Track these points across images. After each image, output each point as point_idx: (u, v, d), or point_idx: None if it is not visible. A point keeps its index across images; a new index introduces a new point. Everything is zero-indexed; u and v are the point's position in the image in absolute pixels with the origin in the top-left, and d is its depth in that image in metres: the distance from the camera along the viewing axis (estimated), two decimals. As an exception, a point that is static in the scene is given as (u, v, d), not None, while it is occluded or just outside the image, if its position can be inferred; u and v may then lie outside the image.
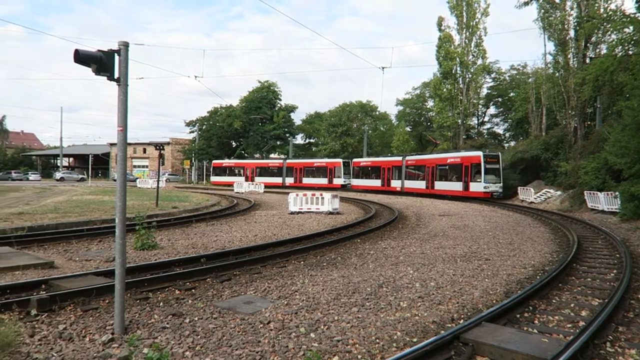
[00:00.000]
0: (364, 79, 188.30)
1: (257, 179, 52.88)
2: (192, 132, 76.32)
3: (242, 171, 57.91)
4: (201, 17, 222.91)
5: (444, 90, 47.10)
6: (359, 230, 15.00)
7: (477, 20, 45.84)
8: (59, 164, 79.97)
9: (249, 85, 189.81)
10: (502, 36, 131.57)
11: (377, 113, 68.08)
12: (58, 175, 66.67)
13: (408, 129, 62.07)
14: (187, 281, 7.98)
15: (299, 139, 76.09)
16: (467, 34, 46.55)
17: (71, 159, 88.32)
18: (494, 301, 7.15)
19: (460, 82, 47.53)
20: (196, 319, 6.08)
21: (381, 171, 44.11)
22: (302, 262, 10.03)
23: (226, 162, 62.66)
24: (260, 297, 7.21)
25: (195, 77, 26.36)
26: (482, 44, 46.61)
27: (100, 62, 5.50)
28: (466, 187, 33.22)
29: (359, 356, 4.98)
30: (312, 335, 5.56)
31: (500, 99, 55.89)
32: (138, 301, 6.82)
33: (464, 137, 49.32)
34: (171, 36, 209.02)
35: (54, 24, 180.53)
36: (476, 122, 57.80)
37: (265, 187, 45.73)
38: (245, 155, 68.71)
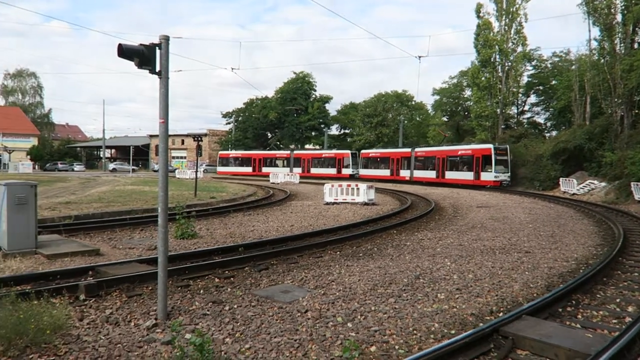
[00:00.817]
0: (399, 68, 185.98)
1: (265, 169, 55.10)
2: (229, 123, 77.47)
3: (249, 162, 59.09)
4: (237, 9, 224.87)
5: (483, 78, 45.89)
6: (395, 221, 14.92)
7: (517, 5, 44.34)
8: (101, 155, 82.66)
9: (283, 77, 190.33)
10: (543, 22, 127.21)
11: (413, 103, 67.19)
12: (111, 166, 69.61)
13: (445, 119, 61.01)
14: (225, 270, 8.16)
15: (334, 130, 76.05)
16: (507, 20, 45.13)
17: (113, 150, 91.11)
18: (535, 294, 7.00)
19: (500, 70, 46.22)
20: (235, 306, 6.22)
21: (390, 162, 46.83)
22: (338, 253, 10.08)
23: (233, 153, 63.78)
24: (298, 286, 7.30)
25: (232, 69, 27.52)
26: (523, 30, 45.04)
27: (143, 56, 5.63)
28: (477, 177, 35.97)
29: (397, 347, 4.98)
30: (349, 324, 5.60)
31: (541, 88, 54.00)
32: (179, 288, 7.03)
33: (502, 126, 48.04)
34: (208, 29, 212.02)
35: (96, 19, 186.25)
36: (516, 111, 56.09)
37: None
38: (281, 145, 69.22)
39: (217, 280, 7.62)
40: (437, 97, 65.34)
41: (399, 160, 45.78)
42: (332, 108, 76.55)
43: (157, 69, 5.71)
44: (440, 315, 5.97)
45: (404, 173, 44.06)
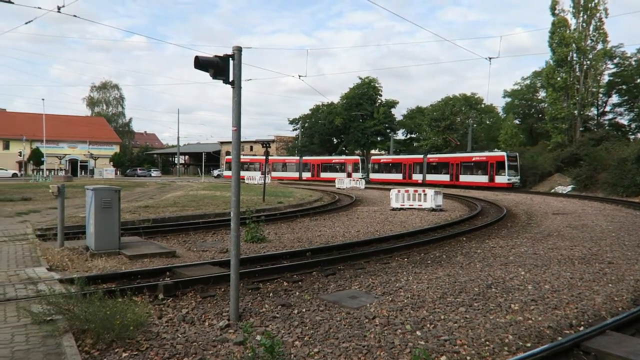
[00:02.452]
0: (467, 70, 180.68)
1: (273, 174, 58.14)
2: (295, 129, 78.75)
3: (258, 166, 60.91)
4: (303, 17, 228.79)
5: (558, 79, 43.58)
6: (464, 228, 14.51)
7: (596, 1, 41.84)
8: (176, 162, 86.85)
9: (348, 82, 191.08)
10: (626, 17, 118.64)
11: (483, 106, 65.00)
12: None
13: (517, 121, 58.48)
14: (294, 274, 8.30)
15: (400, 135, 75.14)
16: (585, 16, 42.69)
17: (186, 157, 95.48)
18: (620, 308, 6.54)
19: (577, 69, 43.74)
20: (304, 310, 6.32)
21: (402, 167, 51.94)
22: (405, 259, 9.95)
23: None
24: (365, 292, 7.29)
25: (299, 76, 27.56)
26: (603, 26, 42.42)
27: (217, 67, 5.88)
28: (492, 180, 41.54)
29: (468, 358, 4.84)
30: (418, 333, 5.51)
31: (624, 87, 50.42)
32: (250, 291, 7.24)
33: (581, 129, 45.38)
34: (275, 38, 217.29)
35: (171, 33, 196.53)
36: (595, 112, 52.82)
37: (282, 181, 50.81)
38: (346, 151, 69.40)
39: (285, 283, 7.78)
40: (509, 100, 62.91)
41: (411, 166, 50.83)
42: (398, 113, 75.76)
43: (231, 78, 5.94)
44: (515, 327, 5.73)
45: (417, 177, 49.29)
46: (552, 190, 37.15)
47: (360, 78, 70.98)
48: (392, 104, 71.56)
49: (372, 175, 54.98)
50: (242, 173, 59.79)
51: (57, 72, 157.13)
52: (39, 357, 4.19)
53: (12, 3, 16.41)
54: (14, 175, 61.26)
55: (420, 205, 20.70)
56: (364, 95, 69.45)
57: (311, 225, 15.49)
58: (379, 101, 71.12)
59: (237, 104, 6.01)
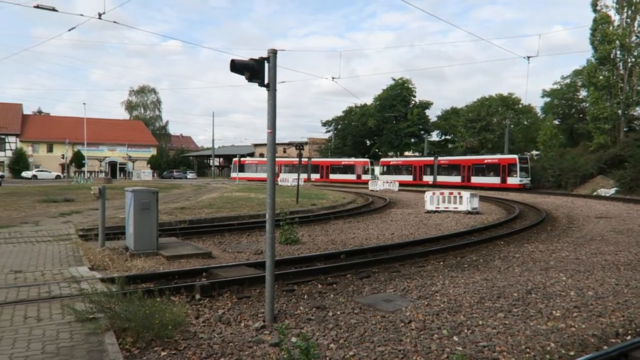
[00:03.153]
0: (503, 70, 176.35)
1: (282, 176, 58.25)
2: (328, 131, 78.87)
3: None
4: (336, 19, 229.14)
5: (601, 77, 42.05)
6: (502, 232, 14.17)
7: (642, -5, 40.20)
8: (211, 164, 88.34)
9: (380, 84, 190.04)
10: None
11: (520, 106, 63.42)
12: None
13: (556, 122, 56.77)
14: (328, 276, 8.29)
15: (434, 136, 74.22)
16: (630, 12, 41.10)
17: (221, 159, 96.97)
18: (670, 317, 6.24)
19: (621, 67, 42.14)
20: (338, 313, 6.29)
21: (412, 168, 54.09)
22: (441, 263, 9.79)
23: (249, 159, 67.30)
24: (400, 295, 7.21)
25: (333, 78, 27.53)
26: (649, 22, 40.71)
27: (253, 70, 5.94)
28: (504, 181, 43.57)
29: (508, 365, 4.71)
30: (455, 338, 5.40)
31: (673, 84, 48.22)
32: (285, 293, 7.27)
33: (625, 129, 43.66)
34: (308, 40, 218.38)
35: (206, 37, 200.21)
36: (641, 111, 50.71)
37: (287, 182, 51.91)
38: (379, 153, 69.03)
39: (320, 286, 7.77)
40: (548, 99, 61.16)
41: (422, 168, 53.16)
42: (432, 114, 74.91)
43: (266, 81, 5.99)
44: (557, 334, 5.54)
45: (427, 178, 51.48)
46: (594, 193, 35.88)
47: (394, 79, 70.55)
48: (426, 105, 70.77)
49: (382, 177, 55.94)
50: (254, 175, 61.19)
51: (97, 77, 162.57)
52: (82, 354, 4.32)
53: (56, 11, 17.07)
54: (57, 177, 63.66)
55: (456, 208, 20.35)
56: (398, 96, 68.92)
57: (345, 228, 15.45)
58: (413, 102, 70.44)
59: (272, 106, 6.04)
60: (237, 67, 5.92)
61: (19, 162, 64.97)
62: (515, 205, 23.67)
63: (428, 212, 20.62)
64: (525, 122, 64.19)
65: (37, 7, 14.99)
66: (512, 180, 42.84)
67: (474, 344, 5.21)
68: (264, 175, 57.64)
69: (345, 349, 5.07)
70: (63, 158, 67.27)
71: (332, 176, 59.64)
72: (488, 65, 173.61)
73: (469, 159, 48.46)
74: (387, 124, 68.36)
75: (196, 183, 50.65)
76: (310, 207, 21.59)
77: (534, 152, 59.22)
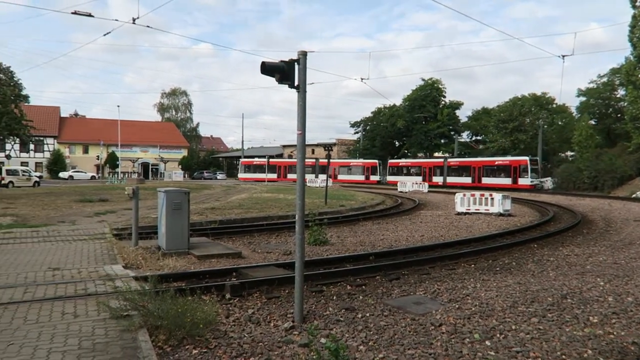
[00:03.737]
0: (536, 69, 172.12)
1: (290, 176, 61.10)
2: (357, 132, 78.57)
3: (274, 169, 64.41)
4: (364, 20, 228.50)
5: (639, 76, 40.57)
6: (535, 234, 13.84)
7: (684, -10, 38.58)
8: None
9: (409, 84, 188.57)
10: None
11: (554, 106, 61.76)
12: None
13: (592, 122, 55.06)
14: (357, 277, 8.26)
15: (465, 137, 73.01)
16: (671, 8, 39.42)
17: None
18: None
19: (662, 65, 40.49)
20: (367, 315, 6.26)
21: (422, 170, 55.70)
22: (472, 265, 9.63)
23: (256, 160, 68.46)
24: (430, 298, 7.12)
25: (362, 79, 27.15)
26: (693, 17, 38.99)
27: (283, 72, 5.97)
28: (515, 181, 45.13)
29: (543, 371, 4.59)
30: (488, 342, 5.29)
31: None
32: (314, 293, 7.27)
33: (665, 129, 41.96)
34: (337, 41, 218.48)
35: (236, 39, 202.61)
36: (684, 111, 48.64)
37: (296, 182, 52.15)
38: (408, 154, 68.46)
39: (349, 287, 7.75)
40: (583, 99, 59.38)
41: (432, 169, 55.05)
42: (463, 114, 73.76)
43: (296, 83, 6.01)
44: (594, 341, 5.36)
45: (437, 179, 53.03)
46: (633, 196, 34.62)
47: (423, 79, 69.75)
48: (457, 105, 69.73)
49: (389, 178, 58.76)
50: (259, 176, 62.30)
51: (130, 80, 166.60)
52: (116, 350, 4.42)
53: (92, 16, 17.56)
54: (92, 177, 65.59)
55: (487, 210, 19.99)
56: (427, 96, 68.15)
57: (374, 229, 15.37)
58: (443, 103, 69.52)
59: (302, 108, 6.06)
60: (267, 69, 5.96)
61: (57, 163, 67.24)
62: (549, 208, 23.09)
63: (458, 213, 20.32)
64: (560, 123, 62.41)
65: (75, 13, 15.45)
66: (523, 181, 44.51)
67: (506, 349, 5.10)
68: (263, 175, 59.60)
69: (375, 351, 5.03)
70: (98, 159, 69.28)
71: (340, 177, 60.90)
72: (520, 64, 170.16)
73: (479, 161, 51.12)
74: (416, 125, 67.68)
75: (226, 184, 51.28)
76: (339, 208, 21.57)
77: (569, 153, 57.61)
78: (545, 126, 57.63)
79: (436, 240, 12.98)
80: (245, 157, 73.36)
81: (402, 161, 61.48)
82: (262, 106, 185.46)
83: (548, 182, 47.61)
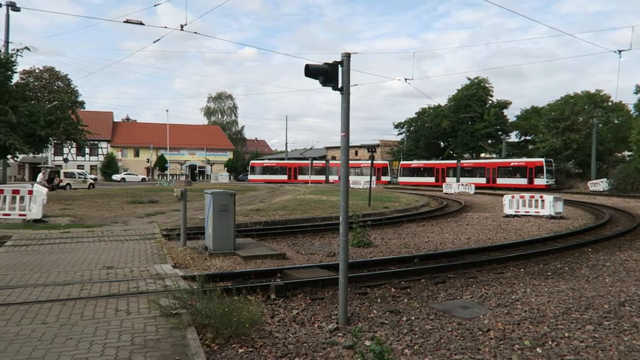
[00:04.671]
0: (588, 66, 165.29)
1: (300, 177, 63.77)
2: (400, 134, 77.79)
3: (284, 170, 66.87)
4: (407, 20, 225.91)
5: None
6: (590, 238, 13.24)
7: None
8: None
9: (453, 84, 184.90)
10: None
11: (610, 103, 58.89)
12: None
13: (652, 120, 52.06)
14: (401, 280, 8.17)
15: (513, 137, 70.84)
16: None
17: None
18: None
19: None
20: (413, 318, 6.18)
21: (434, 171, 58.33)
22: (522, 270, 9.33)
23: (267, 162, 70.80)
24: (477, 302, 6.94)
25: (405, 79, 26.58)
26: None
27: (326, 74, 5.99)
28: (530, 182, 47.72)
29: (598, 381, 4.39)
30: (539, 350, 5.11)
31: None
32: (357, 295, 7.25)
33: None
34: (379, 42, 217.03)
35: (279, 43, 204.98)
36: None
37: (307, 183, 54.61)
38: (454, 155, 67.12)
39: (393, 290, 7.67)
40: (642, 95, 56.26)
41: (445, 170, 57.13)
42: (511, 114, 71.65)
43: (340, 85, 6.02)
44: (655, 351, 5.08)
45: (450, 180, 53.02)
46: (697, 197, 32.57)
47: (469, 79, 68.25)
48: (504, 104, 67.83)
49: (401, 179, 61.34)
50: (270, 177, 63.23)
51: (178, 85, 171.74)
52: (167, 347, 4.56)
53: (143, 24, 18.24)
54: (143, 179, 68.03)
55: (538, 212, 19.32)
56: (473, 96, 66.61)
57: (418, 231, 15.16)
58: (490, 102, 67.75)
59: (345, 109, 6.06)
60: (311, 71, 6.00)
61: (110, 166, 70.25)
62: (605, 210, 22.06)
63: (506, 216, 19.74)
64: (616, 121, 59.48)
65: (127, 21, 16.10)
66: (539, 181, 47.34)
67: (559, 357, 4.91)
68: (274, 177, 60.41)
69: (420, 355, 4.96)
70: (148, 162, 71.81)
71: (350, 178, 61.48)
72: (572, 61, 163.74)
73: (493, 162, 54.25)
74: (462, 125, 66.28)
75: (269, 186, 51.90)
76: (383, 209, 21.41)
77: (626, 153, 54.79)
78: (600, 125, 55.06)
79: (483, 243, 12.65)
80: (256, 159, 74.97)
81: (415, 163, 62.49)
82: (305, 108, 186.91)
83: (603, 184, 45.47)
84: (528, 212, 19.60)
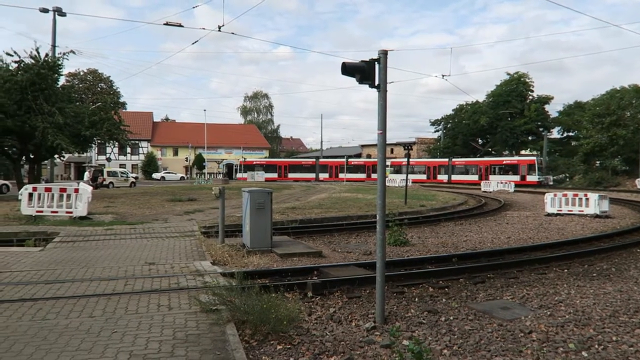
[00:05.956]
0: (635, 58, 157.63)
1: (290, 175, 64.44)
2: (437, 131, 76.72)
3: (274, 169, 66.23)
4: (445, 15, 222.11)
5: None
6: (638, 238, 12.70)
7: None
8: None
9: (491, 80, 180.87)
10: None
11: (660, 97, 56.16)
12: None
13: None
14: (439, 279, 8.06)
15: (555, 133, 68.68)
16: None
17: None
18: None
19: None
20: (451, 318, 6.09)
21: (426, 168, 61.02)
22: (565, 270, 9.04)
23: (255, 160, 69.77)
24: (519, 303, 6.77)
25: (443, 76, 26.11)
26: None
27: (363, 72, 5.96)
28: (523, 178, 50.64)
29: (649, 388, 4.21)
30: (584, 354, 4.94)
31: None
32: (395, 294, 7.20)
33: None
34: (416, 38, 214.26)
35: (314, 41, 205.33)
36: None
37: (298, 181, 54.47)
38: (493, 152, 65.63)
39: (431, 289, 7.58)
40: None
41: (436, 168, 60.20)
42: (553, 109, 69.45)
43: (376, 82, 5.98)
44: None
45: (442, 177, 58.50)
46: None
47: (509, 74, 66.63)
48: (546, 99, 65.84)
49: (391, 176, 60.76)
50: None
51: (215, 85, 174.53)
52: (207, 342, 4.66)
53: (182, 26, 18.64)
54: (181, 178, 69.62)
55: (582, 211, 18.67)
56: (513, 91, 64.95)
57: (456, 230, 14.92)
58: (530, 97, 65.90)
59: (382, 107, 6.02)
60: (347, 69, 5.99)
61: (150, 165, 72.25)
62: (654, 209, 21.10)
63: (548, 215, 19.17)
64: (666, 115, 56.71)
65: (167, 24, 16.50)
66: (531, 178, 50.60)
67: (606, 362, 4.73)
68: (273, 175, 60.46)
69: (460, 356, 4.89)
70: (186, 161, 73.38)
71: (349, 175, 61.92)
72: (618, 53, 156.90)
73: (485, 160, 57.22)
74: (501, 122, 64.76)
75: (305, 184, 52.16)
76: (419, 208, 21.17)
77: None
78: (649, 120, 52.64)
79: (524, 242, 12.33)
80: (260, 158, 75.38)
81: (405, 161, 61.99)
82: (341, 106, 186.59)
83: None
84: (571, 210, 18.98)
